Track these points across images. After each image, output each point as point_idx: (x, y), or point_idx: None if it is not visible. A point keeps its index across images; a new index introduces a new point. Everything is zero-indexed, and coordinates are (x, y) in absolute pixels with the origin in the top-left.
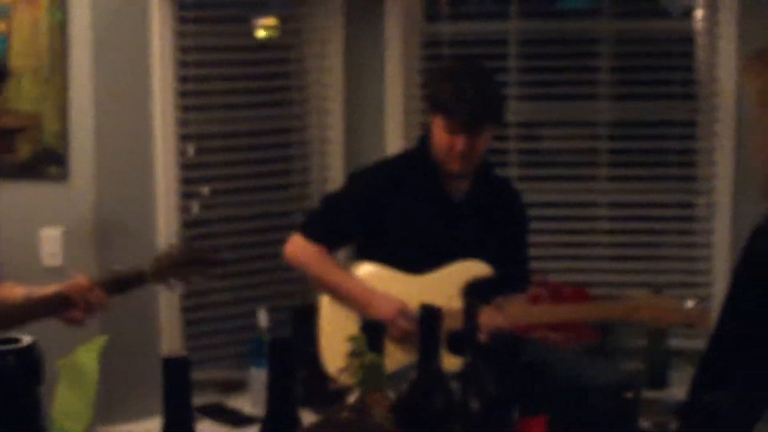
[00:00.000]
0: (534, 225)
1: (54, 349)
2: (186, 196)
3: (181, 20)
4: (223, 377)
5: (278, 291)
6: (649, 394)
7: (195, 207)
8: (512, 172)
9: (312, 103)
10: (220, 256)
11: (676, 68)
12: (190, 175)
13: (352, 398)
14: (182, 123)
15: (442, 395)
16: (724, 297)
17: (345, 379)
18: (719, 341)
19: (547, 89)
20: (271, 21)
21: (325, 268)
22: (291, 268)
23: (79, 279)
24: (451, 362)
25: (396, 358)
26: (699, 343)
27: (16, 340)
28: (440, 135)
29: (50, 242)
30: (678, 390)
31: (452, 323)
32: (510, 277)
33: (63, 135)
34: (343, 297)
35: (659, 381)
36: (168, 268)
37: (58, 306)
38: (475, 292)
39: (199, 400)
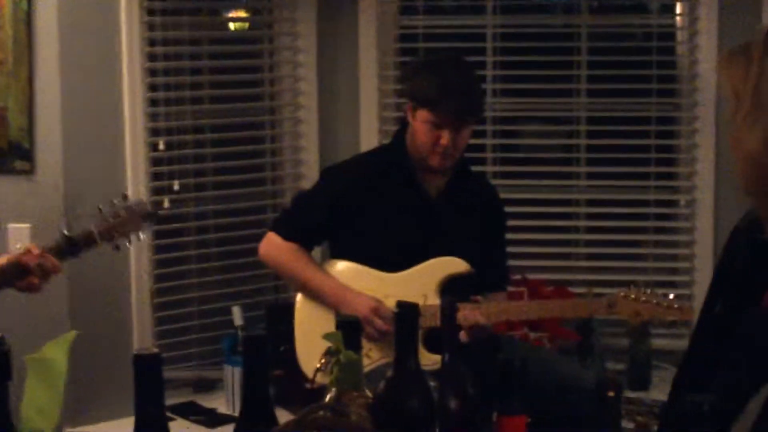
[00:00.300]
0: (511, 222)
1: (23, 345)
2: (156, 191)
3: (150, 11)
4: (196, 376)
5: (253, 288)
6: (631, 394)
7: (165, 202)
8: (489, 168)
9: (285, 97)
10: (157, 209)
11: (656, 64)
12: (160, 170)
13: (328, 397)
14: (152, 117)
15: (420, 394)
16: (704, 297)
17: (321, 378)
18: (700, 342)
19: (525, 85)
20: (241, 13)
21: (299, 266)
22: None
23: (30, 246)
24: (428, 360)
25: (372, 356)
26: (681, 344)
27: None
28: (423, 129)
29: (18, 237)
30: (660, 391)
31: (429, 321)
32: (488, 275)
33: (29, 129)
34: (317, 295)
35: (641, 381)
36: (113, 227)
37: (14, 274)
38: (453, 289)
39: (172, 399)
